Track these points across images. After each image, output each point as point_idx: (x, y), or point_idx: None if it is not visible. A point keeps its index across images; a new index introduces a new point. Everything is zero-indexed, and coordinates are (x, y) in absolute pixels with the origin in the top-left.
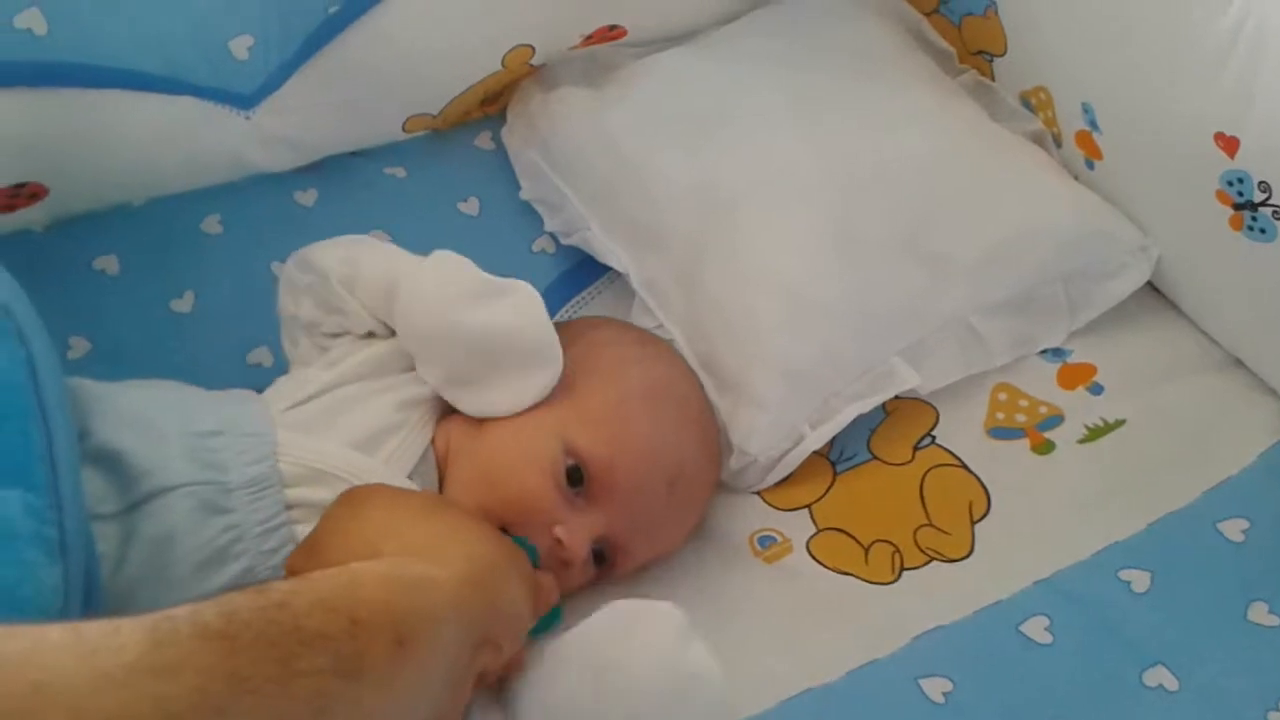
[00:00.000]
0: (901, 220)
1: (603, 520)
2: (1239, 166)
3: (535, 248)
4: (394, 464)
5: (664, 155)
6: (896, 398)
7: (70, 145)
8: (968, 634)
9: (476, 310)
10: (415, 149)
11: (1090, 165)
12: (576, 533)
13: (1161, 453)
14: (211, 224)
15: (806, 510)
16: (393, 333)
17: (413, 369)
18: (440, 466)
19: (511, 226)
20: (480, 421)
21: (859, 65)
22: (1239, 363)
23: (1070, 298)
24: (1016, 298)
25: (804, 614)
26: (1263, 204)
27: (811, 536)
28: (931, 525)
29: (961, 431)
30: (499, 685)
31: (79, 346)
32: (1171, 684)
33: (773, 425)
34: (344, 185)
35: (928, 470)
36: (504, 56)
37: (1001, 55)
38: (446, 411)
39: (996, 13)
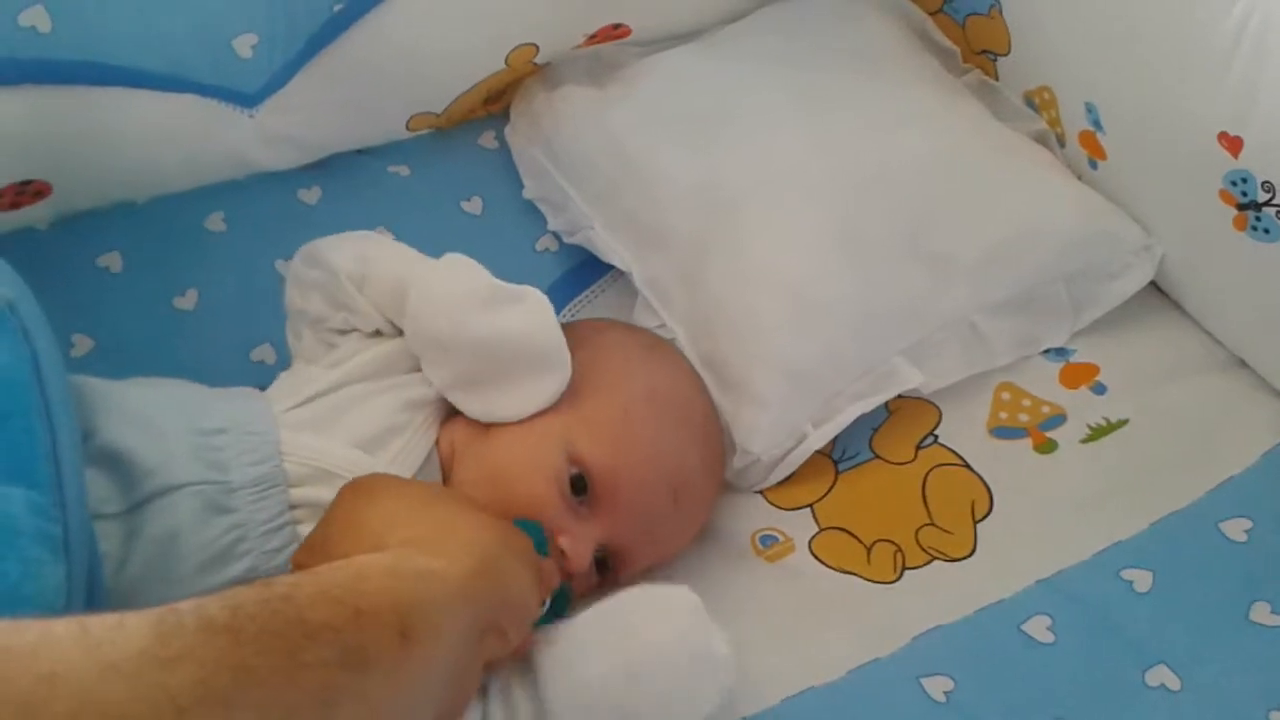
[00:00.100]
0: (905, 219)
1: (606, 528)
2: (1243, 166)
3: (538, 247)
4: (398, 465)
5: (667, 154)
6: (899, 397)
7: (74, 143)
8: (969, 633)
9: (486, 316)
10: (419, 147)
11: (1094, 165)
12: (580, 542)
13: (1164, 452)
14: (215, 222)
15: (809, 509)
16: (400, 332)
17: (418, 369)
18: (444, 469)
19: (515, 225)
20: (485, 425)
21: (863, 64)
22: (1242, 363)
23: (1073, 297)
24: (1019, 297)
25: (806, 613)
26: (1266, 204)
27: (814, 536)
28: (934, 524)
29: (964, 431)
30: (521, 665)
31: (82, 344)
32: (1173, 684)
33: (775, 424)
34: (348, 183)
35: (930, 469)
36: (508, 55)
37: (1005, 55)
38: (451, 413)
39: (1000, 12)
